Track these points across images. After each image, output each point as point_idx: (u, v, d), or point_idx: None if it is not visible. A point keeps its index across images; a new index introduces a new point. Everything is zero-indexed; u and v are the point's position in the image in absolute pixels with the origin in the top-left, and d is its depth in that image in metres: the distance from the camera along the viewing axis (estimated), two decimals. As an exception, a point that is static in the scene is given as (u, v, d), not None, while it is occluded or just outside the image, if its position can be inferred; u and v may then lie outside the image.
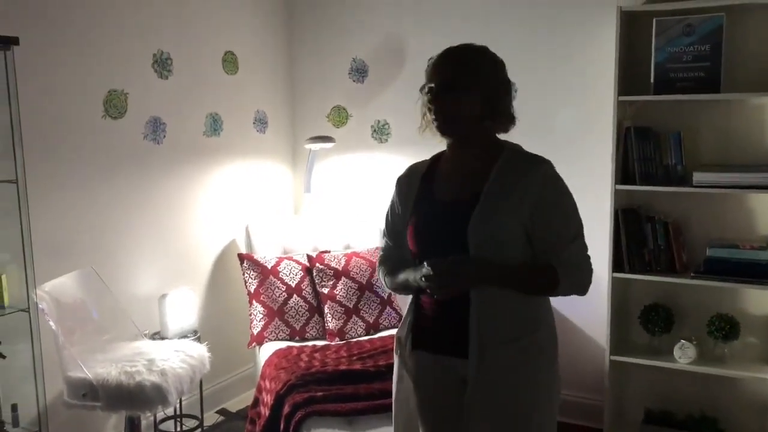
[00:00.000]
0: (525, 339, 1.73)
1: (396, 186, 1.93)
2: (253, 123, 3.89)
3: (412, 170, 1.92)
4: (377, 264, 2.01)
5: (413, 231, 1.82)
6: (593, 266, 1.78)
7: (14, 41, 2.34)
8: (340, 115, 4.01)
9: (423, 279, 1.68)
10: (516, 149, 1.79)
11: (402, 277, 1.85)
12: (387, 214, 1.96)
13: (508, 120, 1.78)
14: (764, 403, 2.86)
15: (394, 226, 1.93)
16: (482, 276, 1.68)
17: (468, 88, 1.71)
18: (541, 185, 1.69)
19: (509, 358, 1.71)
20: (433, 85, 1.72)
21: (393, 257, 1.94)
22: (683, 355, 2.99)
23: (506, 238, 1.69)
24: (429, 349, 1.83)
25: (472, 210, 1.70)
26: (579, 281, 1.75)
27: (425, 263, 1.68)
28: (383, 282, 1.98)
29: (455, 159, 1.82)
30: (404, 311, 3.65)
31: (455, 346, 1.74)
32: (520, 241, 1.70)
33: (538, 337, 1.76)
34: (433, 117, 1.73)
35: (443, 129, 1.74)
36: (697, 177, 2.87)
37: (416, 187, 1.86)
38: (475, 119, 1.73)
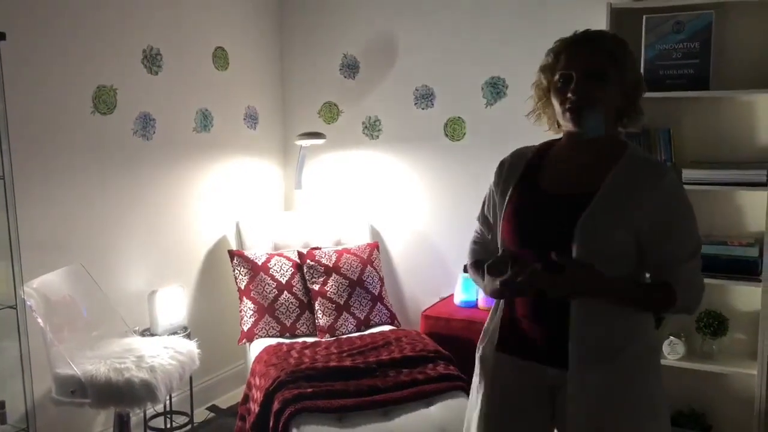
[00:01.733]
0: (629, 349, 1.59)
1: (498, 168, 1.79)
2: (244, 119, 3.88)
3: (518, 154, 1.78)
4: (471, 244, 1.88)
5: (511, 218, 1.69)
6: None
7: (1, 36, 2.32)
8: (331, 111, 4.00)
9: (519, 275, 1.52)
10: (639, 151, 1.67)
11: (482, 281, 1.70)
12: (484, 199, 1.84)
13: (640, 117, 1.67)
14: (751, 398, 2.88)
15: (488, 212, 1.82)
16: (596, 288, 1.54)
17: (614, 79, 1.59)
18: (667, 197, 1.56)
19: (608, 377, 1.58)
20: (573, 71, 1.59)
21: (482, 245, 1.84)
22: (672, 351, 3.01)
23: (615, 244, 1.56)
24: (513, 352, 1.71)
25: (583, 208, 1.57)
26: (694, 300, 1.61)
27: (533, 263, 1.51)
28: (468, 268, 1.86)
29: (571, 151, 1.67)
30: (395, 308, 3.67)
31: (546, 353, 1.64)
32: (629, 252, 1.58)
33: (641, 346, 1.62)
34: (569, 104, 1.58)
35: (579, 123, 1.59)
36: (686, 174, 2.89)
37: (519, 173, 1.73)
38: (611, 112, 1.62)
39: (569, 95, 1.58)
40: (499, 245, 1.73)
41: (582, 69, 1.59)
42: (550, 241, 1.57)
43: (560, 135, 1.73)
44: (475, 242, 1.87)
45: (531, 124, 1.79)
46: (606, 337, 1.59)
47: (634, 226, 1.55)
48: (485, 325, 1.81)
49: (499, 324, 1.75)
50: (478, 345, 1.82)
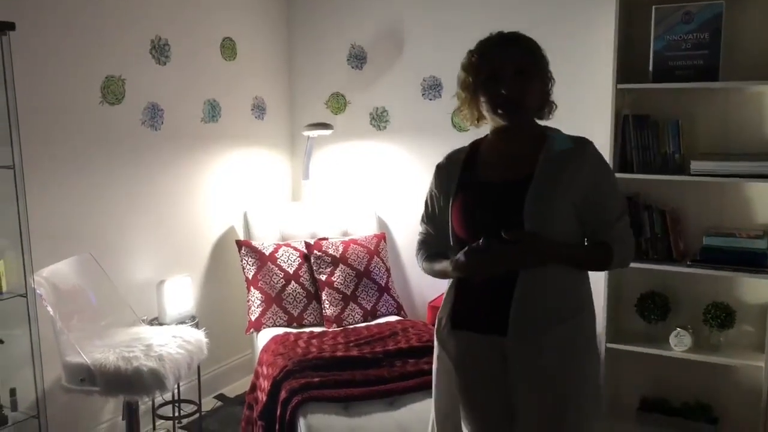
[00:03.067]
0: (572, 320, 1.78)
1: (435, 172, 1.95)
2: (252, 110, 3.89)
3: (452, 156, 1.95)
4: (416, 249, 2.03)
5: (461, 212, 1.83)
6: None
7: (10, 26, 2.34)
8: (338, 102, 4.00)
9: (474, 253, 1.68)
10: (558, 132, 1.84)
11: (439, 266, 1.88)
12: (426, 201, 1.99)
13: (554, 108, 1.86)
14: (758, 391, 2.87)
15: (433, 212, 1.96)
16: (549, 253, 1.72)
17: (536, 76, 1.78)
18: (591, 166, 1.76)
19: (555, 337, 1.75)
20: (503, 69, 1.74)
21: (431, 243, 1.98)
22: (679, 343, 3.00)
23: (560, 217, 1.74)
24: (471, 328, 1.85)
25: (525, 191, 1.73)
26: (627, 255, 1.82)
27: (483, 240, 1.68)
28: (421, 266, 2.00)
29: (502, 143, 1.85)
30: (402, 299, 3.68)
31: (497, 324, 1.77)
32: (570, 220, 1.76)
33: (582, 317, 1.81)
34: (499, 102, 1.74)
35: (509, 112, 1.75)
36: (695, 165, 2.87)
37: (458, 172, 1.88)
38: (536, 105, 1.81)
39: (502, 92, 1.73)
40: (450, 239, 1.88)
41: (511, 68, 1.74)
42: (500, 225, 1.70)
43: (481, 129, 1.90)
44: (423, 241, 2.01)
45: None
46: (548, 306, 1.75)
47: (570, 197, 1.73)
48: (439, 312, 1.94)
49: (451, 306, 1.89)
50: (434, 331, 1.95)
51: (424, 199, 1.99)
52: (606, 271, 2.97)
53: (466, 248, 1.71)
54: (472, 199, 1.83)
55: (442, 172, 1.94)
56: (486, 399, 1.87)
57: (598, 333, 3.08)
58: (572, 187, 1.73)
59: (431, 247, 1.98)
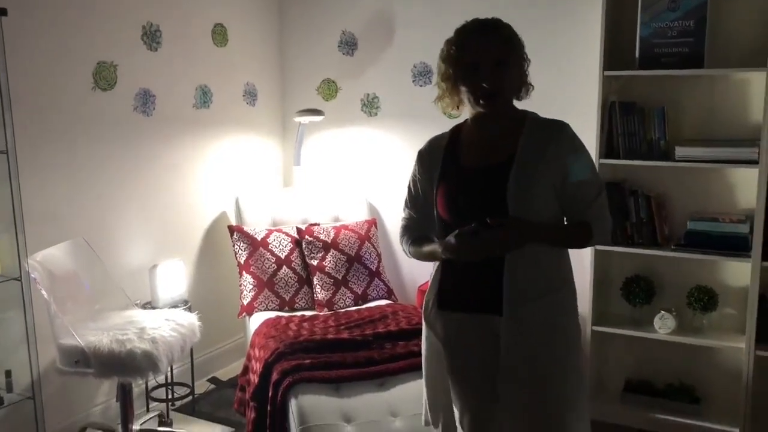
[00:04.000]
0: (552, 296, 1.84)
1: (417, 158, 2.00)
2: (243, 95, 3.91)
3: (433, 142, 1.99)
4: (400, 233, 2.07)
5: (445, 198, 1.88)
6: None
7: (2, 12, 2.35)
8: (329, 89, 4.03)
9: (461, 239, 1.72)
10: (536, 116, 1.89)
11: (427, 249, 1.92)
12: (409, 187, 2.03)
13: (531, 89, 1.91)
14: (739, 372, 2.94)
15: (416, 197, 2.00)
16: (532, 235, 1.77)
17: (514, 63, 1.83)
18: (569, 148, 1.82)
19: (540, 313, 1.82)
20: (481, 61, 1.78)
21: (415, 227, 2.02)
22: (663, 326, 3.07)
23: (542, 198, 1.80)
24: (458, 308, 1.90)
25: (506, 174, 1.79)
26: (606, 232, 1.88)
27: (473, 225, 1.72)
28: (406, 250, 2.04)
29: (481, 129, 1.90)
30: (392, 283, 3.72)
31: (486, 303, 1.83)
32: (551, 201, 1.82)
33: (563, 293, 1.89)
34: (481, 91, 1.78)
35: (490, 103, 1.80)
36: (680, 152, 2.93)
37: (440, 157, 1.93)
38: (514, 91, 1.87)
39: (483, 84, 1.78)
40: (436, 223, 1.93)
41: (489, 59, 1.78)
42: (483, 208, 1.78)
43: (460, 118, 1.97)
44: (407, 226, 2.05)
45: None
46: (532, 284, 1.81)
47: (550, 178, 1.79)
48: (426, 295, 1.98)
49: (438, 287, 1.94)
50: (423, 313, 2.00)
51: (407, 184, 2.03)
52: (589, 248, 2.99)
53: (456, 232, 1.75)
54: (456, 185, 1.88)
55: (424, 157, 1.98)
56: (475, 377, 1.93)
57: (581, 313, 3.16)
58: (551, 168, 1.78)
59: (415, 231, 2.02)
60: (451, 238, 1.76)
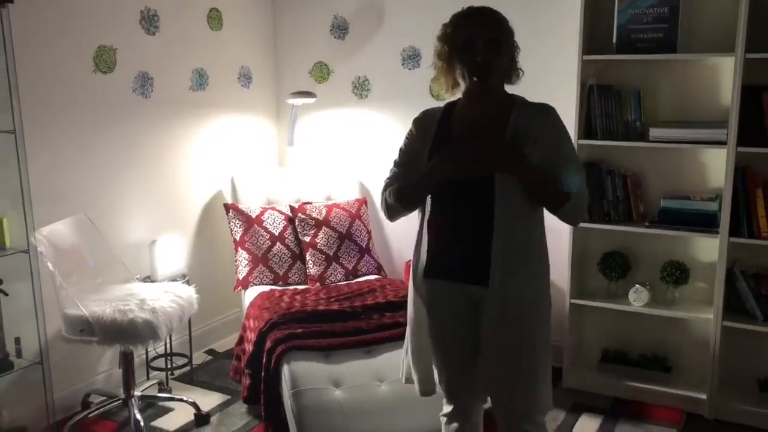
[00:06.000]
0: (532, 267, 1.98)
1: (413, 124, 2.11)
2: (238, 78, 4.03)
3: (428, 113, 2.11)
4: (383, 190, 2.13)
5: None
6: None
7: (9, -1, 2.48)
8: (322, 71, 4.15)
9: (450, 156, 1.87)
10: (524, 100, 2.02)
11: (415, 179, 2.01)
12: (401, 149, 2.13)
13: (519, 73, 2.03)
14: (707, 342, 3.10)
15: (407, 156, 2.10)
16: (520, 160, 1.89)
17: (505, 45, 1.96)
18: (553, 131, 1.94)
19: (520, 285, 1.96)
20: (477, 39, 1.91)
21: (401, 181, 2.09)
22: (637, 299, 3.22)
23: None
24: (443, 276, 2.03)
25: None
26: (581, 204, 1.98)
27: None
28: (386, 202, 2.10)
29: (473, 107, 2.01)
30: (382, 260, 3.87)
31: (470, 274, 1.97)
32: None
33: (540, 265, 2.03)
34: (476, 71, 1.91)
35: (484, 78, 1.92)
36: (654, 133, 3.07)
37: (434, 128, 2.04)
38: (505, 72, 1.99)
39: (477, 59, 1.90)
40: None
41: (483, 37, 1.92)
42: (472, 183, 1.92)
43: (455, 97, 2.06)
44: (393, 177, 2.13)
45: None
46: (515, 257, 1.93)
47: (536, 158, 1.91)
48: (412, 261, 2.11)
49: (426, 256, 2.06)
50: (411, 278, 2.13)
51: (400, 147, 2.13)
52: (569, 225, 3.10)
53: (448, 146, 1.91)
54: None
55: (419, 123, 2.10)
56: (455, 342, 2.08)
57: (561, 287, 3.32)
58: (537, 148, 1.91)
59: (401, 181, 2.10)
60: (441, 154, 1.90)
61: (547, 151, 1.92)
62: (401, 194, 2.05)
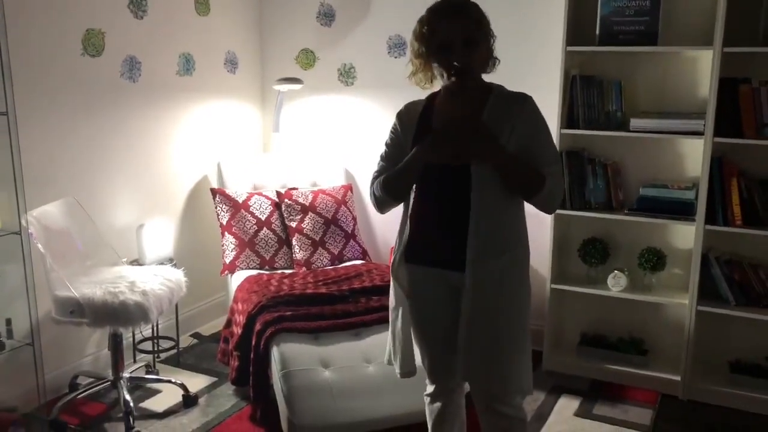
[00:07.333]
0: (510, 253, 2.02)
1: (397, 118, 2.14)
2: (224, 64, 4.05)
3: (410, 106, 2.14)
4: (371, 183, 2.17)
5: None
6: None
7: (1, -19, 2.47)
8: (308, 58, 4.18)
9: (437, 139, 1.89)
10: (502, 88, 2.04)
11: (401, 165, 2.02)
12: (386, 142, 2.15)
13: (496, 62, 2.06)
14: (682, 326, 3.21)
15: (393, 151, 2.13)
16: (499, 149, 1.89)
17: (482, 41, 1.97)
18: (530, 119, 1.96)
19: (498, 270, 1.99)
20: (453, 40, 1.92)
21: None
22: (616, 284, 3.33)
23: None
24: (422, 262, 2.08)
25: None
26: (556, 191, 1.98)
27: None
28: (375, 195, 2.13)
29: (453, 99, 2.04)
30: (367, 245, 3.92)
31: (449, 260, 2.01)
32: None
33: (518, 251, 2.06)
34: (453, 69, 1.93)
35: (463, 80, 1.95)
36: (634, 123, 3.16)
37: (415, 121, 2.08)
38: (483, 64, 2.02)
39: (454, 63, 1.93)
40: None
41: (460, 39, 1.93)
42: (454, 170, 1.95)
43: (436, 87, 2.09)
44: (380, 171, 2.16)
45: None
46: (493, 242, 1.98)
47: (513, 146, 1.93)
48: (395, 246, 2.15)
49: (407, 240, 2.11)
50: (391, 266, 2.16)
51: (385, 141, 2.17)
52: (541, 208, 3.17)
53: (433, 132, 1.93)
54: None
55: (403, 117, 2.14)
56: (435, 327, 2.14)
57: (542, 273, 3.41)
58: (513, 136, 1.94)
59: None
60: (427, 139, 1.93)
61: (524, 139, 1.95)
62: (388, 185, 2.09)
